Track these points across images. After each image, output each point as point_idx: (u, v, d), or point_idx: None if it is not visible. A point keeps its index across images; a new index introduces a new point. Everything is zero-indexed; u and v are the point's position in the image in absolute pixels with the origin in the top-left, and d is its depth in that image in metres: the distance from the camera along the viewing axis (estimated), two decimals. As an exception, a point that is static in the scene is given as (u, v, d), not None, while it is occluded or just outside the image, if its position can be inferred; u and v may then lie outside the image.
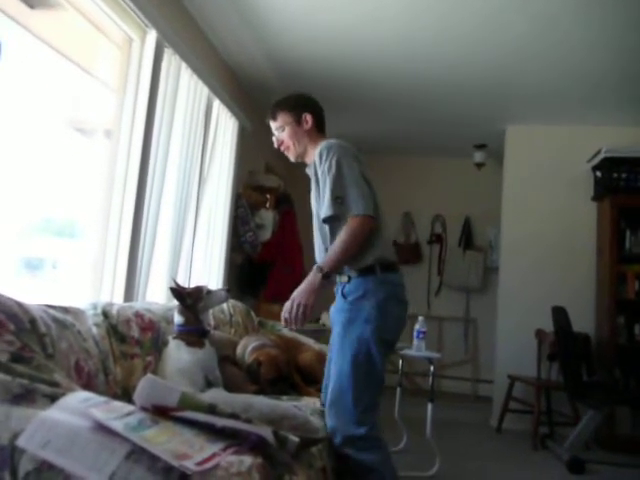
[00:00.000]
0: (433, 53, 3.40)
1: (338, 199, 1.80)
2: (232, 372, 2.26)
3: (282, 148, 2.08)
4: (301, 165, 2.13)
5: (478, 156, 5.14)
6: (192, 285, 2.23)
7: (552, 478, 3.21)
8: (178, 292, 2.10)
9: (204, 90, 3.23)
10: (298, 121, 2.02)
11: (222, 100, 3.50)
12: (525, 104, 4.20)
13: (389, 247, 2.02)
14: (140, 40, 2.60)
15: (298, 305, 1.80)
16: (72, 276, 2.70)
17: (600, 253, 4.30)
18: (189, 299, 2.11)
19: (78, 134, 2.89)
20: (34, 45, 2.19)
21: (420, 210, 5.84)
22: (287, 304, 1.83)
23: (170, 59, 2.75)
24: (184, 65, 2.90)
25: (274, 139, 2.10)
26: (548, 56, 3.33)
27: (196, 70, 3.01)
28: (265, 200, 4.39)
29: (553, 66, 3.47)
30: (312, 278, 1.82)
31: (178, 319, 2.09)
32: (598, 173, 4.31)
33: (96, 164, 2.66)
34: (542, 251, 4.50)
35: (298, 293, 1.83)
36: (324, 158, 1.86)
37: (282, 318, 1.85)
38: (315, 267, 1.84)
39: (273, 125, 2.08)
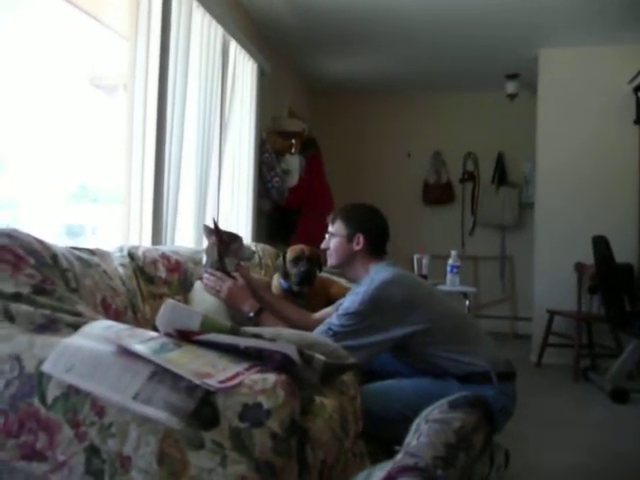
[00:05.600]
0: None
1: (329, 330, 1.77)
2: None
3: (327, 252, 2.04)
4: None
5: (510, 87, 4.90)
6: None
7: (595, 408, 3.17)
8: (217, 227, 2.06)
9: (219, 30, 3.12)
10: (350, 238, 1.95)
11: (238, 41, 3.38)
12: (558, 25, 3.94)
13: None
14: (147, -22, 2.50)
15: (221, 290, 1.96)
16: (111, 240, 2.72)
17: (643, 179, 4.10)
18: (225, 236, 2.07)
19: (99, 91, 2.85)
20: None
21: (451, 148, 5.65)
22: (217, 282, 1.98)
23: (180, -2, 2.65)
24: (195, 3, 2.79)
25: (326, 238, 2.04)
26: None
27: (209, 9, 2.90)
28: (290, 145, 4.31)
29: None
30: (249, 304, 1.96)
31: (204, 259, 2.07)
32: (640, 94, 4.06)
33: (117, 120, 2.62)
34: (580, 181, 4.31)
35: (232, 293, 1.96)
36: (363, 294, 1.79)
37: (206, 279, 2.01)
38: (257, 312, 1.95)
39: (330, 227, 2.02)
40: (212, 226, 2.06)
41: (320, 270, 2.40)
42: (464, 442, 0.99)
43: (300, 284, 2.28)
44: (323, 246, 2.05)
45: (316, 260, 2.32)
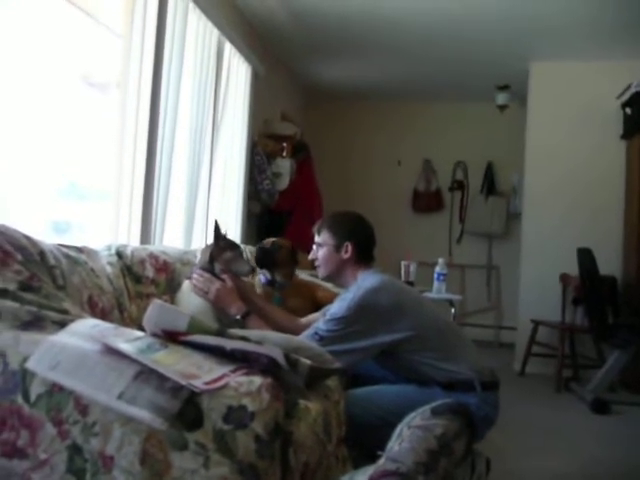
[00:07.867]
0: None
1: (316, 335, 1.78)
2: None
3: (315, 263, 2.03)
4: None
5: (501, 98, 4.94)
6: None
7: (575, 419, 3.20)
8: (219, 230, 2.05)
9: (214, 32, 3.13)
10: (338, 247, 1.95)
11: (233, 43, 3.39)
12: (549, 39, 3.99)
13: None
14: (144, -22, 2.50)
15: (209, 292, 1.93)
16: (99, 238, 2.70)
17: (629, 193, 4.16)
18: (223, 242, 2.07)
19: (92, 89, 2.83)
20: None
21: (441, 157, 5.70)
22: (206, 283, 1.95)
23: (176, -1, 2.65)
24: (191, 5, 2.80)
25: (313, 249, 2.04)
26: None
27: (204, 10, 2.91)
28: (281, 148, 4.32)
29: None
30: (236, 306, 1.92)
31: (198, 257, 2.07)
32: (628, 110, 4.12)
33: (109, 118, 2.61)
34: (567, 194, 4.37)
35: (220, 295, 1.93)
36: (350, 300, 1.81)
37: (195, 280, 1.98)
38: (244, 315, 1.91)
39: (316, 238, 2.02)
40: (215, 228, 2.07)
41: (295, 263, 2.44)
42: (445, 448, 1.00)
43: (257, 262, 2.34)
44: (311, 257, 2.04)
45: (286, 250, 2.38)
